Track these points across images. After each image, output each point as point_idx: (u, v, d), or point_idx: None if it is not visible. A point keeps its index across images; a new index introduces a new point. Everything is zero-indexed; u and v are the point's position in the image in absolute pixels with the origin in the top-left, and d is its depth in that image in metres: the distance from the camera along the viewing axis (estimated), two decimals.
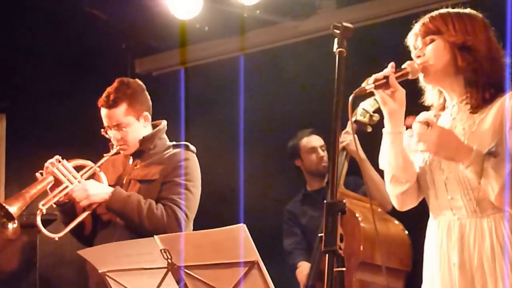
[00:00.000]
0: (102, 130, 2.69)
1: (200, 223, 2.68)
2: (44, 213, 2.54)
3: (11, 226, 2.49)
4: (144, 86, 2.76)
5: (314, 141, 3.63)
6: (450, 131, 1.87)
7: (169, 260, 2.01)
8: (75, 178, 2.57)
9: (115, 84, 2.68)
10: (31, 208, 4.43)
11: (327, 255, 1.59)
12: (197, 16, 3.99)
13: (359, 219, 3.01)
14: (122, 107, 2.63)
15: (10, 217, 2.48)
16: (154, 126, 2.77)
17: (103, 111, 2.67)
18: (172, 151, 2.70)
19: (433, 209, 1.96)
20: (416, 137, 1.84)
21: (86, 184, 2.56)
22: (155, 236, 2.04)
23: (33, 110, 4.60)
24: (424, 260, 1.98)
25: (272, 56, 4.37)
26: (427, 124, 1.83)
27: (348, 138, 3.15)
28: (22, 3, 4.14)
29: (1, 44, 4.35)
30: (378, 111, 3.00)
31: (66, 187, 2.55)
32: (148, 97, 2.75)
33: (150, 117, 2.74)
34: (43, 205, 2.53)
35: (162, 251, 2.01)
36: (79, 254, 2.32)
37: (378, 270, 2.96)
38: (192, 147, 2.73)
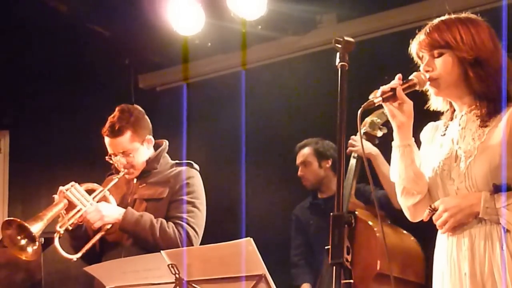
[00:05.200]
0: (107, 157, 2.74)
1: (205, 236, 2.71)
2: (62, 233, 2.58)
3: (31, 248, 2.52)
4: (144, 111, 2.81)
5: (301, 157, 3.67)
6: (451, 198, 1.88)
7: (177, 275, 2.02)
8: (88, 201, 2.62)
9: (117, 113, 2.72)
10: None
11: (334, 267, 1.59)
12: (199, 32, 4.02)
13: (375, 229, 2.98)
14: (127, 135, 2.69)
15: (31, 239, 2.51)
16: (156, 146, 2.83)
17: (107, 140, 2.71)
18: (177, 169, 2.76)
19: None
20: (445, 224, 1.87)
21: (99, 206, 2.62)
22: (162, 251, 2.06)
23: (36, 127, 4.63)
24: (434, 270, 1.97)
25: (274, 70, 4.41)
26: (434, 209, 1.88)
27: (358, 142, 3.10)
28: (25, 20, 4.18)
29: (4, 61, 4.38)
30: (386, 123, 3.01)
31: (80, 209, 2.61)
32: (149, 120, 2.81)
33: (153, 139, 2.80)
34: (60, 227, 2.58)
35: (170, 266, 2.02)
36: (84, 270, 2.34)
37: (395, 282, 2.91)
38: (196, 166, 2.80)
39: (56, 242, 2.56)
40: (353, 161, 3.17)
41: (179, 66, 4.60)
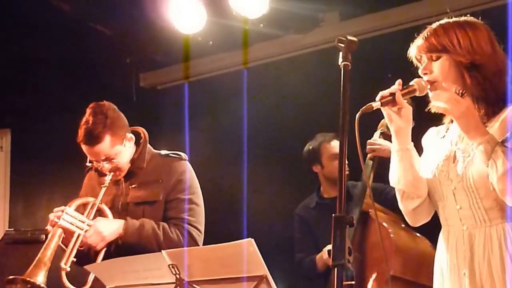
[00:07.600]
0: (88, 163, 2.59)
1: (206, 236, 2.68)
2: (68, 270, 2.44)
3: None
4: (117, 108, 2.60)
5: (337, 147, 3.54)
6: (476, 113, 1.84)
7: (178, 275, 2.01)
8: (84, 222, 2.49)
9: (90, 118, 2.50)
10: (35, 223, 4.43)
11: (335, 269, 1.58)
12: (201, 31, 4.01)
13: (389, 231, 2.90)
14: (106, 141, 2.50)
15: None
16: (135, 135, 2.65)
17: (85, 148, 2.53)
18: (166, 164, 2.62)
19: (443, 220, 1.96)
20: (448, 98, 1.79)
21: (97, 226, 2.48)
22: (162, 251, 2.05)
23: (37, 125, 4.63)
24: (434, 270, 1.98)
25: (276, 69, 4.40)
26: (462, 93, 1.82)
27: (381, 142, 3.03)
28: (28, 19, 4.18)
29: (6, 60, 4.38)
30: None
31: (79, 235, 2.48)
32: (123, 116, 2.61)
33: (133, 136, 2.63)
34: (65, 263, 2.45)
35: (170, 266, 2.01)
36: (82, 269, 2.32)
37: (409, 286, 2.86)
38: (184, 155, 2.67)
39: (64, 279, 2.42)
40: (368, 162, 3.06)
41: (180, 65, 4.61)
